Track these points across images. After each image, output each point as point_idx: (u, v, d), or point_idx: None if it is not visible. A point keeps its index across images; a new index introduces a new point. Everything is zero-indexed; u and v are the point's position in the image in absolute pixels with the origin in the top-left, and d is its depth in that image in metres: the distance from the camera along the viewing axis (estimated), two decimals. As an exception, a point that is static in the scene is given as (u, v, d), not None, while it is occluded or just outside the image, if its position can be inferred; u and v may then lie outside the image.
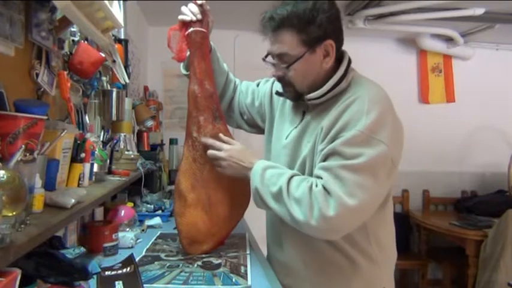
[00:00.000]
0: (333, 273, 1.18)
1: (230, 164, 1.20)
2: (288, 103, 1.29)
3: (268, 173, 1.13)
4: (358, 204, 0.99)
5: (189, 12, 1.23)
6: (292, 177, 1.10)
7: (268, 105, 1.37)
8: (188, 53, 1.27)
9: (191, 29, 1.24)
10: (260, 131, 1.43)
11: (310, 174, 1.13)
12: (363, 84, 1.14)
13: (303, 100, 1.19)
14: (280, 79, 1.17)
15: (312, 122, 1.17)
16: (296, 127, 1.21)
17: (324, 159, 1.07)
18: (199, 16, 1.23)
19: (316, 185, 1.04)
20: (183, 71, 1.36)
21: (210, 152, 1.22)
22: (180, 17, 1.24)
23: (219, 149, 1.21)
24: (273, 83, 1.39)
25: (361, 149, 1.02)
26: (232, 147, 1.22)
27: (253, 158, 1.19)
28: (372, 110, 1.05)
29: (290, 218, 1.06)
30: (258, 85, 1.44)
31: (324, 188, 1.02)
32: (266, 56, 1.19)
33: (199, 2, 1.24)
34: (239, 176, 1.20)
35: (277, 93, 1.28)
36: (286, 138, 1.23)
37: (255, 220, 1.63)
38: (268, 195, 1.11)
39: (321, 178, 1.04)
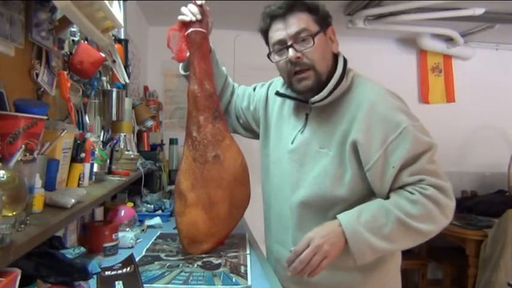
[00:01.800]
0: (345, 278, 1.17)
1: (331, 243, 1.04)
2: (287, 106, 1.28)
3: (364, 221, 1.03)
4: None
5: (189, 12, 1.23)
6: (391, 204, 1.05)
7: (263, 110, 1.36)
8: (188, 53, 1.27)
9: (191, 29, 1.24)
10: (255, 135, 1.43)
11: (339, 183, 1.11)
12: (367, 84, 1.16)
13: (305, 102, 1.18)
14: (297, 62, 1.11)
15: (322, 127, 1.15)
16: (302, 131, 1.20)
17: (404, 165, 1.05)
18: (199, 16, 1.23)
19: (424, 189, 1.04)
20: (182, 72, 1.36)
21: (307, 252, 1.03)
22: (180, 17, 1.24)
23: (308, 245, 1.04)
24: (268, 88, 1.38)
25: (422, 137, 1.07)
26: (314, 232, 1.06)
27: (330, 225, 1.07)
28: (397, 103, 1.12)
29: (422, 237, 1.06)
30: (254, 89, 1.44)
31: (433, 187, 1.04)
32: (273, 47, 1.16)
33: (199, 2, 1.24)
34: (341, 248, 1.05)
35: (278, 93, 1.26)
36: (292, 142, 1.21)
37: (255, 220, 1.63)
38: (380, 241, 1.03)
39: (421, 181, 1.04)
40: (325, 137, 1.14)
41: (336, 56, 1.18)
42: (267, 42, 1.21)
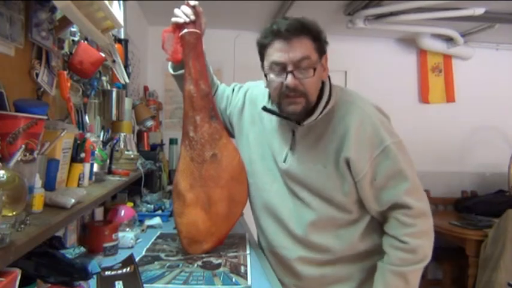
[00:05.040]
0: (343, 271, 1.25)
1: None
2: (268, 120, 1.28)
3: None
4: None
5: (182, 14, 1.24)
6: (400, 265, 1.16)
7: (238, 116, 1.36)
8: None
9: (185, 30, 1.25)
10: (230, 135, 1.41)
11: (332, 196, 1.18)
12: (353, 102, 1.18)
13: (289, 119, 1.20)
14: (294, 89, 1.10)
15: (314, 145, 1.19)
16: (292, 150, 1.21)
17: (391, 180, 1.14)
18: (192, 17, 1.24)
19: (413, 226, 1.14)
20: (171, 71, 1.37)
21: None
22: (173, 19, 1.25)
23: None
24: (245, 95, 1.37)
25: (401, 155, 1.14)
26: None
27: None
28: (380, 119, 1.16)
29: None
30: (233, 91, 1.43)
31: (419, 216, 1.15)
32: (271, 66, 1.12)
33: (192, 3, 1.24)
34: None
35: (266, 109, 1.23)
36: (284, 161, 1.22)
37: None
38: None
39: (410, 208, 1.13)
40: (318, 155, 1.18)
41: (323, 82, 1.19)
42: (261, 54, 1.17)
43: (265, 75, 1.16)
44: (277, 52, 1.10)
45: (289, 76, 1.09)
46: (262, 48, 1.15)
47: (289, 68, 1.09)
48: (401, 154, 1.14)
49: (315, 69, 1.10)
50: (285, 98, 1.13)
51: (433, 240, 1.18)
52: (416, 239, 1.14)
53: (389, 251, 1.17)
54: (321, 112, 1.16)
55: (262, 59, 1.17)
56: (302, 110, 1.14)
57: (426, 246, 1.16)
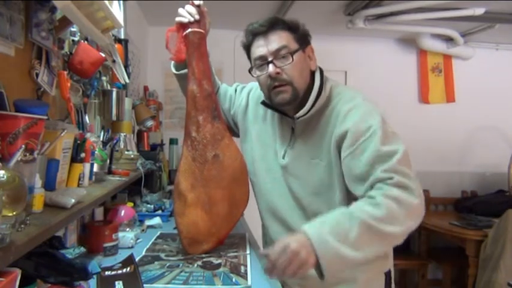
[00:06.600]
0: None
1: (307, 251, 0.95)
2: (270, 117, 1.29)
3: (329, 228, 0.97)
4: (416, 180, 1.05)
5: (186, 13, 1.24)
6: (354, 208, 1.01)
7: (242, 115, 1.37)
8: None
9: (189, 30, 1.25)
10: (234, 134, 1.43)
11: (328, 192, 1.16)
12: (345, 93, 1.19)
13: (286, 115, 1.21)
14: (276, 77, 1.14)
15: (310, 139, 1.19)
16: (291, 146, 1.22)
17: (375, 163, 1.04)
18: (196, 17, 1.24)
19: (388, 190, 1.00)
20: (174, 71, 1.37)
21: (283, 261, 0.95)
22: (178, 18, 1.25)
23: (283, 252, 0.95)
24: (248, 94, 1.39)
25: (389, 140, 1.07)
26: (287, 241, 0.98)
27: (297, 235, 1.00)
28: (370, 107, 1.14)
29: (389, 241, 1.03)
30: (235, 91, 1.44)
31: (398, 186, 1.01)
32: (255, 62, 1.19)
33: (196, 3, 1.25)
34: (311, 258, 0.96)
35: (265, 104, 1.26)
36: (283, 157, 1.23)
37: (254, 220, 1.63)
38: (349, 249, 0.96)
39: (391, 179, 1.01)
40: (314, 148, 1.18)
41: (314, 73, 1.21)
42: (249, 57, 1.24)
43: (254, 76, 1.21)
44: (257, 48, 1.17)
45: (270, 66, 1.14)
46: (248, 50, 1.23)
47: (269, 58, 1.15)
48: (390, 137, 1.08)
49: (292, 55, 1.13)
50: (273, 89, 1.17)
51: (412, 222, 1.02)
52: (386, 198, 0.99)
53: (354, 203, 1.04)
54: (314, 103, 1.16)
55: (250, 61, 1.23)
56: (291, 98, 1.16)
57: (398, 213, 0.99)
